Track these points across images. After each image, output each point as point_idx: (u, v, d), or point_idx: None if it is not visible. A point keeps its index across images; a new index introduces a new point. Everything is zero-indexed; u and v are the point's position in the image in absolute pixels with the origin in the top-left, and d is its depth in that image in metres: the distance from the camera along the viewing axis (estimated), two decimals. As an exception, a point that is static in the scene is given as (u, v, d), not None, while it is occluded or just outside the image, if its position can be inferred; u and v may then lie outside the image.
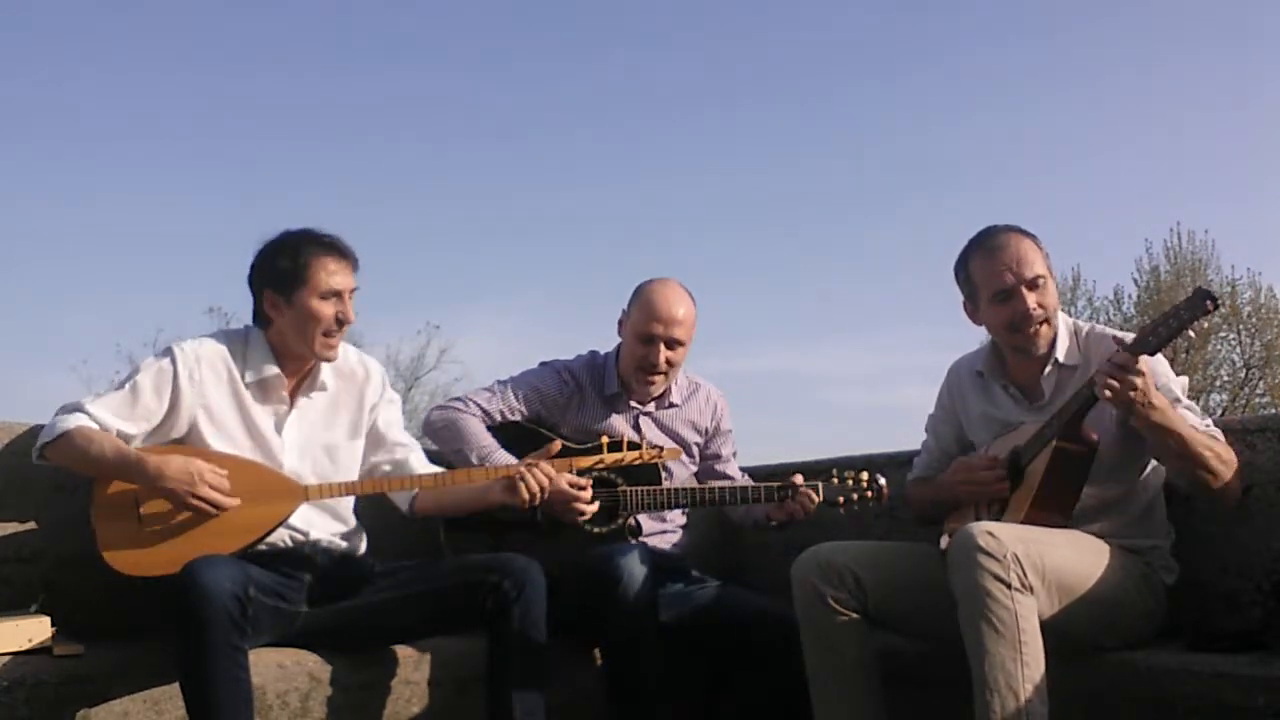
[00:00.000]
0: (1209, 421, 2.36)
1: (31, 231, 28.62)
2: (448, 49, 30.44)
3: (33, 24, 26.09)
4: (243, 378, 2.45)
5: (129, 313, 33.62)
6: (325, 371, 2.54)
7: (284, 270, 2.43)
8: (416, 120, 30.76)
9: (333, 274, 2.43)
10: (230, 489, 2.28)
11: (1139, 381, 2.15)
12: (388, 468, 2.61)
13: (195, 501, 2.24)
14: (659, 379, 2.91)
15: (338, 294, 2.44)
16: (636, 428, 2.93)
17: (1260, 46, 26.29)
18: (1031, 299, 2.40)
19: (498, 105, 30.70)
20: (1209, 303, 2.12)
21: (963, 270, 2.52)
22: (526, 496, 2.44)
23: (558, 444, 2.54)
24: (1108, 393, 2.17)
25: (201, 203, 29.41)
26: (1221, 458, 2.26)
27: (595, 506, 2.67)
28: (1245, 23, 25.54)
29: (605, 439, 2.55)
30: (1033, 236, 2.46)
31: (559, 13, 30.20)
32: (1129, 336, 2.34)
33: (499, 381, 2.94)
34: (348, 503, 2.56)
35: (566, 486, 2.60)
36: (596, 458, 2.53)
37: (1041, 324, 2.42)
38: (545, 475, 2.46)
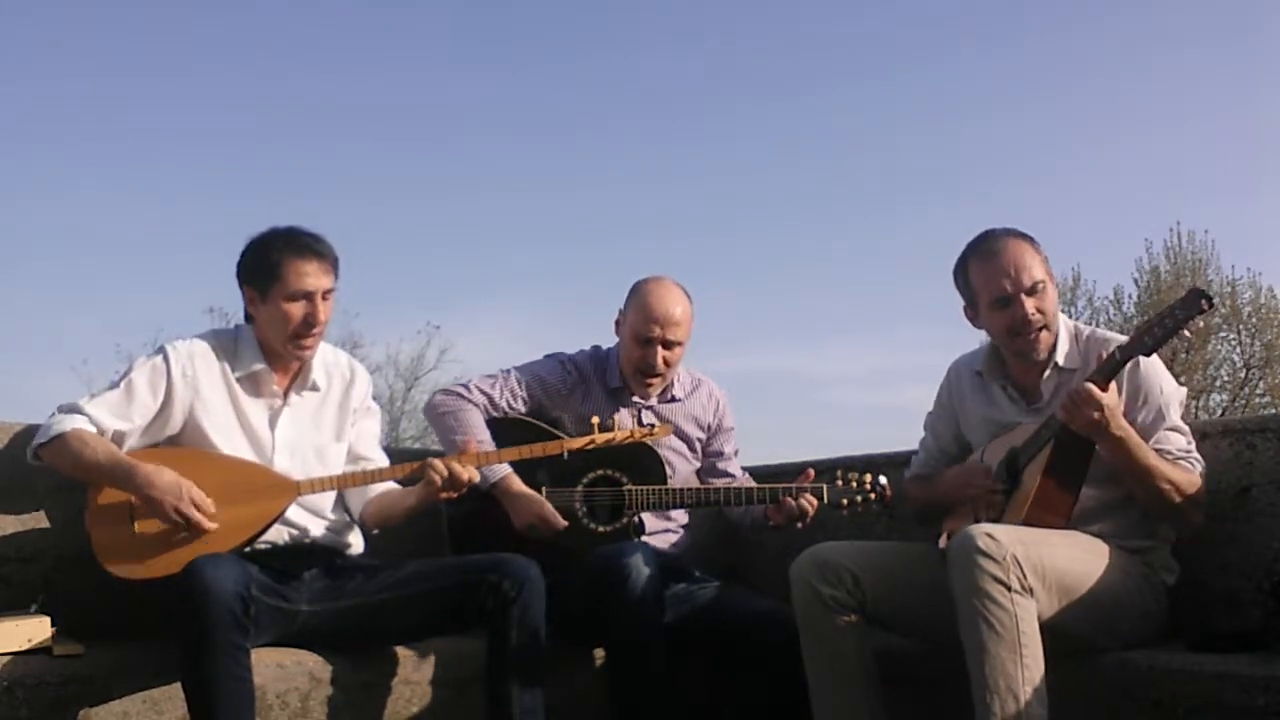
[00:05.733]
0: (1193, 445, 2.37)
1: (31, 231, 28.63)
2: (449, 48, 30.47)
3: (33, 24, 26.10)
4: (233, 373, 2.46)
5: (128, 313, 33.58)
6: (317, 370, 2.55)
7: (259, 268, 2.45)
8: (417, 119, 30.78)
9: (304, 275, 2.43)
10: (221, 487, 2.28)
11: (1095, 415, 2.18)
12: None
13: (176, 517, 2.24)
14: (657, 380, 2.92)
15: (309, 295, 2.43)
16: (639, 422, 2.93)
17: (1260, 47, 26.32)
18: (1030, 305, 2.39)
19: (500, 104, 30.74)
20: (1204, 302, 2.11)
21: (961, 275, 2.51)
22: (438, 483, 2.38)
23: (472, 443, 2.49)
24: (1063, 414, 2.21)
25: (201, 203, 29.38)
26: (1179, 488, 2.27)
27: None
28: (1245, 23, 25.55)
29: (596, 420, 2.56)
30: (1031, 240, 2.45)
31: (561, 12, 30.23)
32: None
33: (503, 370, 2.94)
34: (341, 501, 2.57)
35: (547, 515, 2.66)
36: (587, 439, 2.54)
37: (1041, 329, 2.42)
38: (460, 465, 2.39)
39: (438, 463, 2.39)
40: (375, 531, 2.63)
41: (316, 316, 2.44)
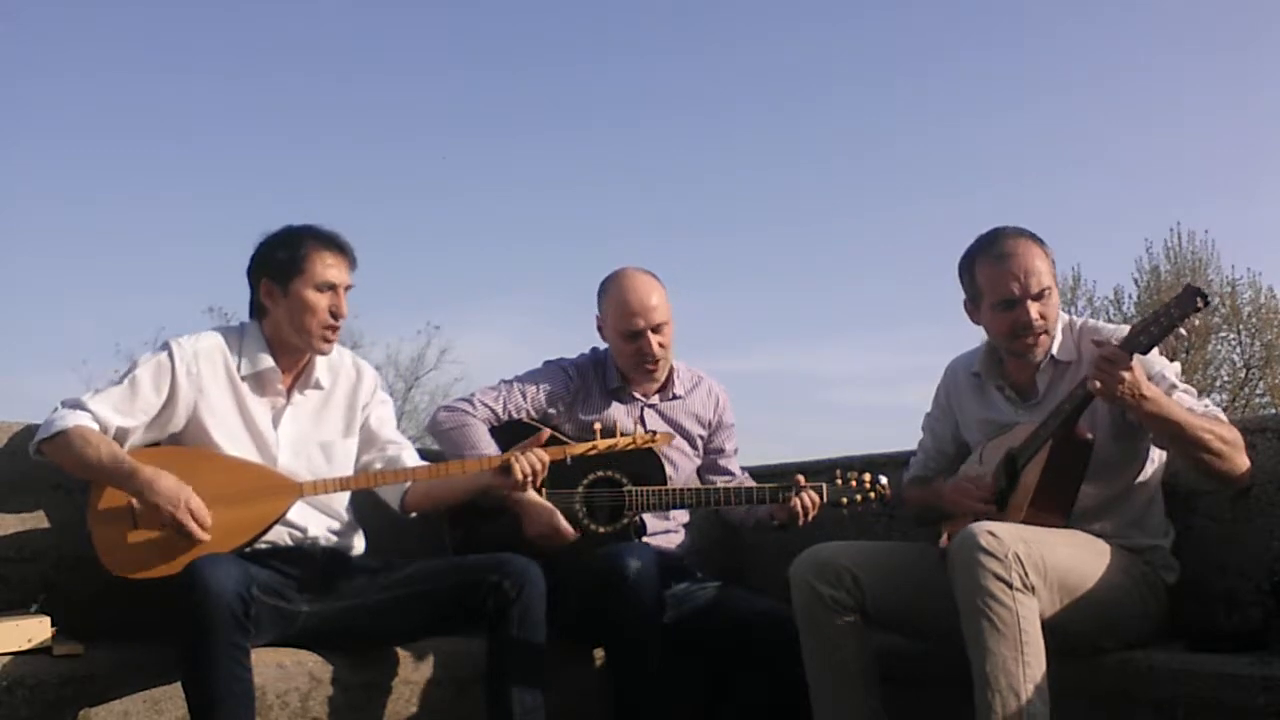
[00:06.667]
0: (1207, 403, 2.35)
1: (31, 231, 28.63)
2: (448, 48, 30.48)
3: (33, 24, 26.09)
4: (239, 370, 2.46)
5: (129, 313, 33.65)
6: (321, 369, 2.55)
7: (282, 260, 2.46)
8: (417, 119, 30.79)
9: (329, 267, 2.46)
10: (224, 488, 2.28)
11: (1128, 375, 2.15)
12: (379, 465, 2.62)
13: (172, 523, 2.23)
14: (659, 366, 2.92)
15: (333, 287, 2.46)
16: (641, 420, 2.93)
17: (1260, 47, 26.32)
18: (1035, 310, 2.38)
19: (499, 105, 30.74)
20: (1199, 300, 2.10)
21: (968, 271, 2.50)
22: (520, 478, 2.44)
23: (546, 432, 2.53)
24: (1098, 384, 2.17)
25: (201, 203, 29.46)
26: (1224, 438, 2.24)
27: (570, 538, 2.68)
28: (1245, 23, 25.56)
29: (598, 427, 2.56)
30: (1041, 242, 2.43)
31: (561, 12, 30.23)
32: (1122, 329, 2.34)
33: (504, 381, 2.94)
34: (343, 501, 2.57)
35: (559, 525, 2.65)
36: (589, 444, 2.54)
37: (1041, 334, 2.41)
38: (538, 458, 2.46)
39: (523, 459, 2.44)
40: (413, 515, 2.64)
41: (341, 309, 2.47)
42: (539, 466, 2.46)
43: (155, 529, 2.26)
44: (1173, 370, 2.38)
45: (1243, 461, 2.29)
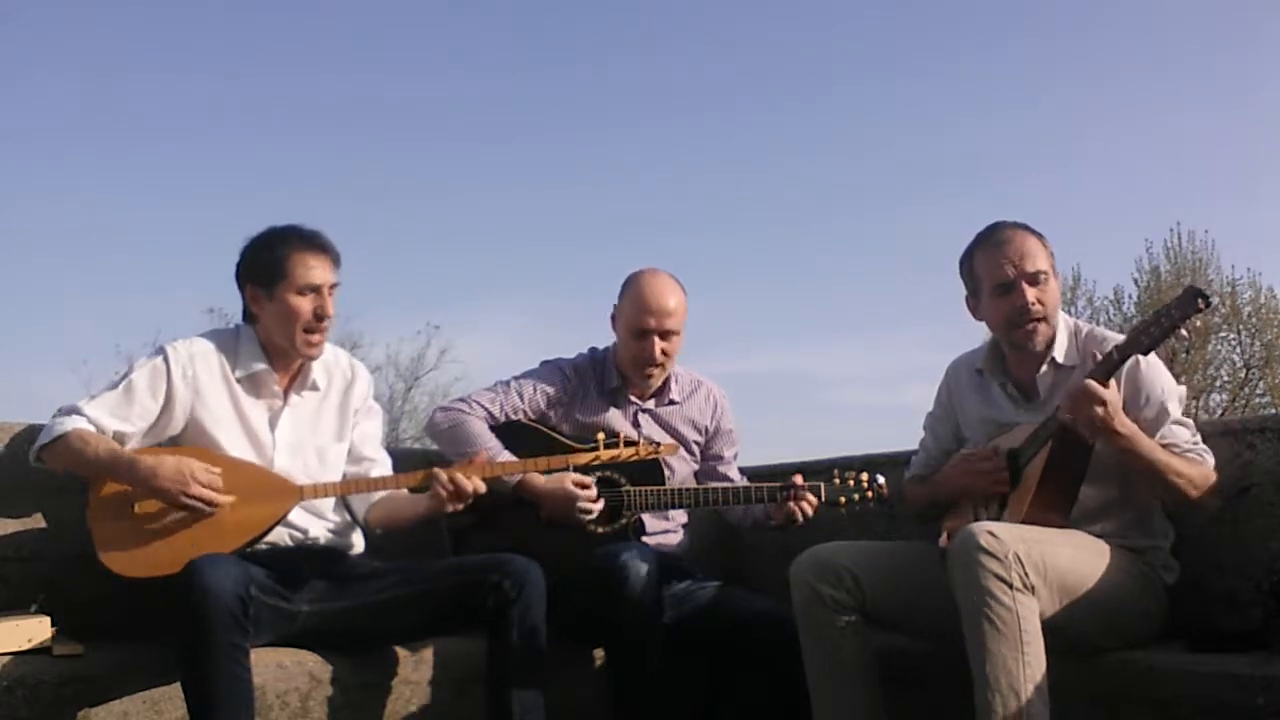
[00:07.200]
0: (1198, 438, 2.36)
1: (32, 231, 28.64)
2: (449, 47, 30.48)
3: (33, 24, 26.09)
4: (234, 373, 2.46)
5: (128, 314, 33.64)
6: (317, 370, 2.55)
7: (264, 265, 2.45)
8: (418, 119, 30.79)
9: (311, 269, 2.45)
10: (224, 487, 2.28)
11: (1099, 410, 2.17)
12: None
13: (188, 501, 2.24)
14: (657, 371, 2.91)
15: (316, 289, 2.45)
16: (636, 424, 2.93)
17: (1260, 47, 26.32)
18: (1031, 294, 2.39)
19: (500, 104, 30.73)
20: (1200, 301, 2.10)
21: (967, 263, 2.52)
22: (444, 495, 2.39)
23: (483, 453, 2.51)
24: (1069, 416, 2.19)
25: (201, 203, 29.43)
26: (1194, 482, 2.27)
27: (600, 505, 2.68)
28: (1245, 23, 25.56)
29: (601, 436, 2.55)
30: (1039, 235, 2.46)
31: (560, 13, 30.23)
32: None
33: (501, 382, 2.93)
34: (341, 503, 2.57)
35: (571, 487, 2.64)
36: (593, 454, 2.53)
37: (1040, 320, 2.41)
38: (465, 477, 2.39)
39: (442, 474, 2.39)
40: (379, 531, 2.63)
41: (326, 309, 2.46)
42: (466, 486, 2.38)
43: (156, 525, 2.26)
44: (1176, 395, 2.38)
45: (1211, 503, 2.34)
